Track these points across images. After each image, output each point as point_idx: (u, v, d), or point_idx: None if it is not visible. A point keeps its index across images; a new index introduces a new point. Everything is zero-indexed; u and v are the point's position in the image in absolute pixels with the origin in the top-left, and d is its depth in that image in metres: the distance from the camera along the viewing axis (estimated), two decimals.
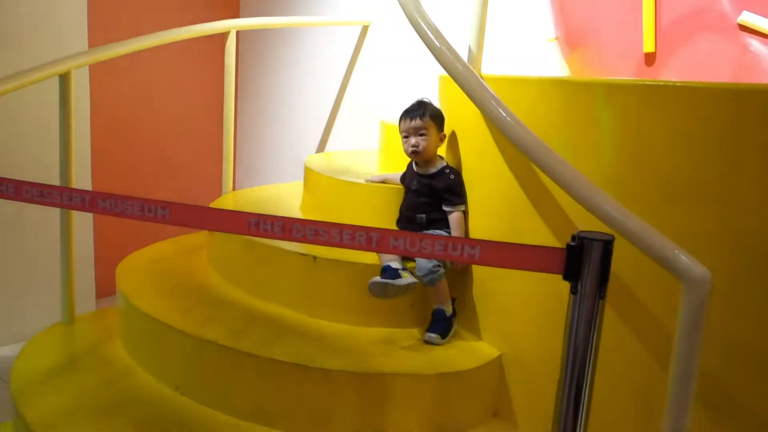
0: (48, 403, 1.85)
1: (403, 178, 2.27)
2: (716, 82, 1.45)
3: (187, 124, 3.89)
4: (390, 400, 1.82)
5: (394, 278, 1.94)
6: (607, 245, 1.15)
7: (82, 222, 3.00)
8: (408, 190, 2.21)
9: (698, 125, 1.42)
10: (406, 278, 1.95)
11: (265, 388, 1.85)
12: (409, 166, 2.24)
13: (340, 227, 1.26)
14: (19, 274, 2.94)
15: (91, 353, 2.22)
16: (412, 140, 2.12)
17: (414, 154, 2.13)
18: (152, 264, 2.50)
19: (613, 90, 1.61)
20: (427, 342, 2.00)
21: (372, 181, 2.40)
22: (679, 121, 1.46)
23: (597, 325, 1.18)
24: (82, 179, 2.86)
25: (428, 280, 1.99)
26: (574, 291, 1.18)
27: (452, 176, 2.11)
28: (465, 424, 1.91)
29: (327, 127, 3.19)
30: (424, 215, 2.13)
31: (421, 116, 2.11)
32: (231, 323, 2.01)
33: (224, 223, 1.35)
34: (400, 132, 2.16)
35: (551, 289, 1.71)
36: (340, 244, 1.26)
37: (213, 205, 2.54)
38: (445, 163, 2.15)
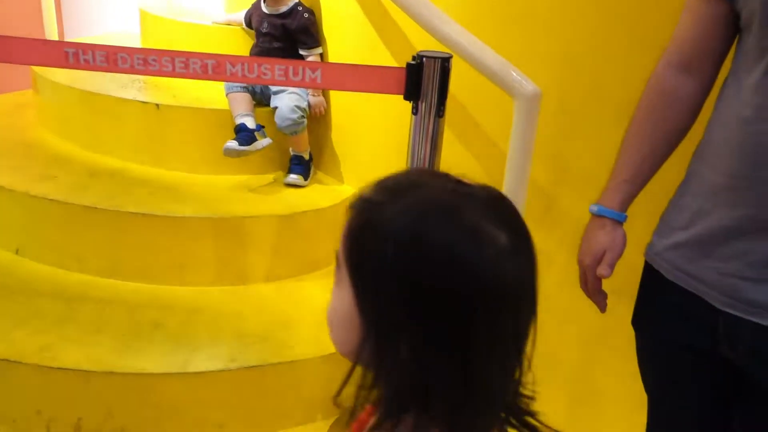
0: None
1: (249, 19, 2.13)
2: None
3: None
4: (248, 243, 1.84)
5: (249, 143, 1.86)
6: (445, 62, 1.17)
7: None
8: (258, 34, 2.07)
9: None
10: (262, 141, 1.90)
11: (116, 242, 1.78)
12: (256, 5, 2.09)
13: (172, 54, 1.17)
14: None
15: None
16: None
17: None
18: None
19: None
20: (289, 184, 2.00)
21: (218, 23, 2.24)
22: None
23: (437, 143, 1.24)
24: None
25: (291, 132, 1.95)
26: (415, 111, 1.21)
27: (306, 14, 1.99)
28: (324, 260, 1.98)
29: None
30: None
31: None
32: (70, 179, 1.87)
33: (37, 54, 1.21)
34: None
35: (398, 122, 1.76)
36: (173, 73, 1.18)
37: None
38: (297, 0, 2.03)
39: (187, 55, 1.18)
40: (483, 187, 0.55)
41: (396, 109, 1.82)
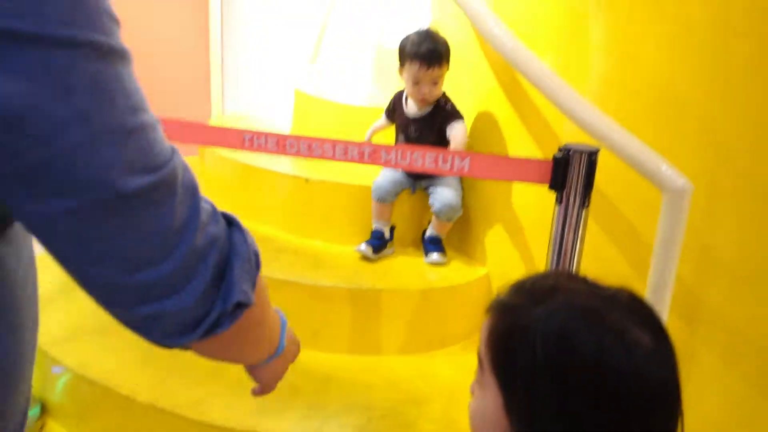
0: (51, 323, 1.90)
1: (390, 114, 2.16)
2: None
3: (172, 50, 3.82)
4: (382, 315, 1.90)
5: (380, 251, 2.04)
6: (592, 156, 1.19)
7: None
8: (406, 137, 2.08)
9: (683, 33, 1.42)
10: (389, 249, 2.08)
11: None
12: (398, 104, 2.10)
13: (333, 142, 1.29)
14: None
15: None
16: (425, 89, 1.95)
17: (423, 101, 2.00)
18: None
19: None
20: (432, 263, 2.04)
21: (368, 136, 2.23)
22: (665, 27, 1.44)
23: (580, 233, 1.24)
24: None
25: (447, 218, 2.02)
26: (559, 201, 1.23)
27: (447, 106, 2.01)
28: (455, 336, 1.99)
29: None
30: None
31: (439, 64, 1.92)
32: None
33: (220, 138, 1.38)
34: (409, 77, 1.96)
35: (539, 209, 1.76)
36: (333, 158, 1.29)
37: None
38: (440, 94, 2.02)
39: (346, 144, 1.29)
40: (621, 289, 0.58)
41: (537, 196, 1.85)
